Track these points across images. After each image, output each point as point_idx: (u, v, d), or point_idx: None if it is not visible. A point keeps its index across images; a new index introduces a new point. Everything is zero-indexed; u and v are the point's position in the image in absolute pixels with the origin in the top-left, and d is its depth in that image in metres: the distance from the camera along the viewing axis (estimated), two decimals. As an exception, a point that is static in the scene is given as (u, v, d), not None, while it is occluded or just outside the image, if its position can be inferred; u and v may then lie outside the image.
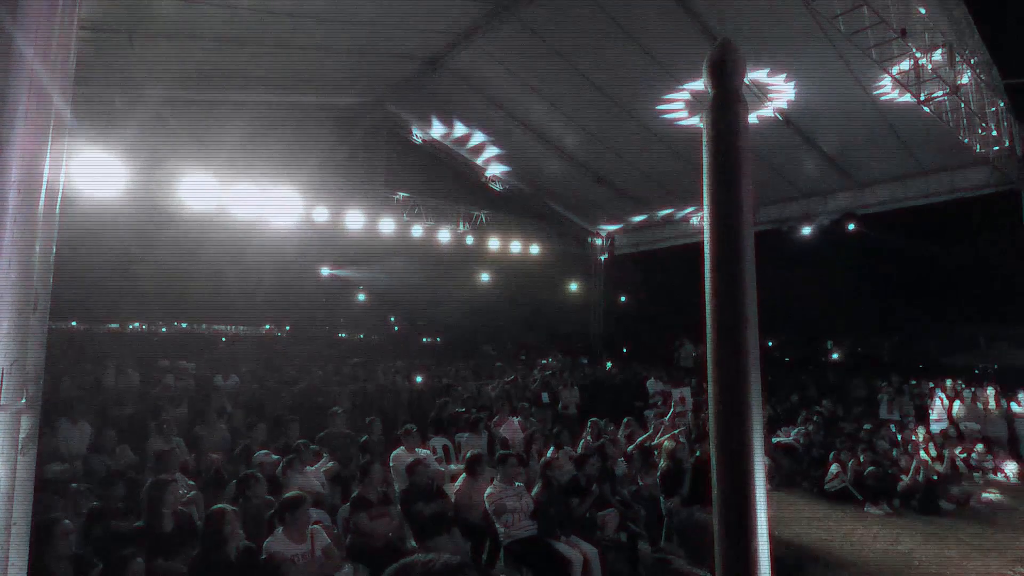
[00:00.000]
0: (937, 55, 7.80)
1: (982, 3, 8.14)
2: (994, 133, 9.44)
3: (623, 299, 24.73)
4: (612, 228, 18.28)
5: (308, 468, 5.79)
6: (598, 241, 18.70)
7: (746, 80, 1.24)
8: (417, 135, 14.09)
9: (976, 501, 8.24)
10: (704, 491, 6.11)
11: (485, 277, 20.93)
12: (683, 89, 10.24)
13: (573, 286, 20.54)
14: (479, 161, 14.80)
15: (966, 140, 9.10)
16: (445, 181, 14.94)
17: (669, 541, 6.34)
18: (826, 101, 10.02)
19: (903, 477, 8.22)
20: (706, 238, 1.15)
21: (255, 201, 10.99)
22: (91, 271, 14.58)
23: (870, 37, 7.09)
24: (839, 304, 25.15)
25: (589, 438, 8.01)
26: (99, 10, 6.98)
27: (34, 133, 1.22)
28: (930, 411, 11.37)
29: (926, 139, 10.60)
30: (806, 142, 11.54)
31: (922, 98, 7.91)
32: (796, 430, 10.22)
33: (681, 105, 10.72)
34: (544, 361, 16.90)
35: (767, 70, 9.36)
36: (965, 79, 8.55)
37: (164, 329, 28.07)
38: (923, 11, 7.39)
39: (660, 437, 7.79)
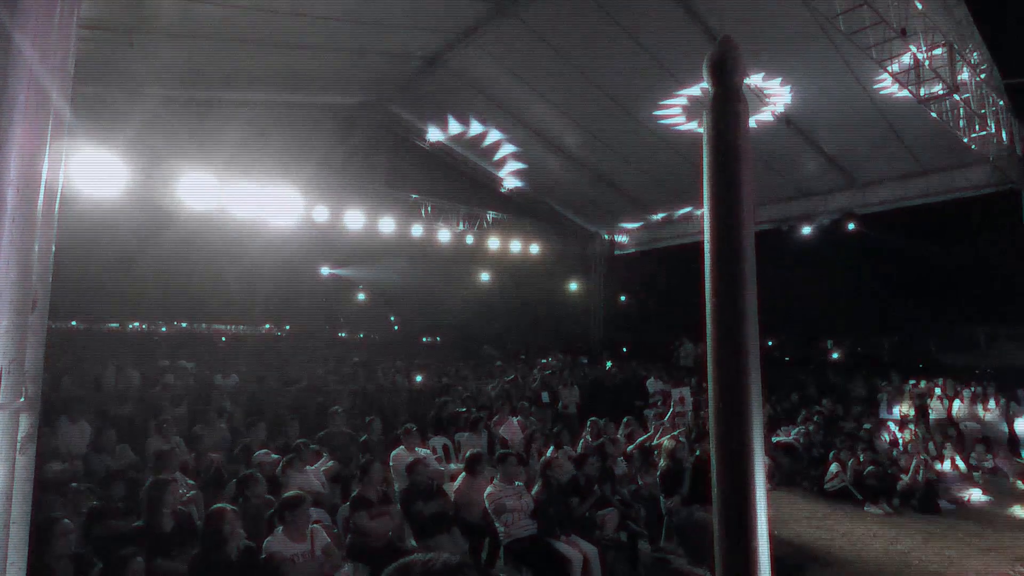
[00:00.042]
0: (937, 53, 7.79)
1: (982, 3, 8.15)
2: (993, 131, 9.43)
3: (623, 298, 24.73)
4: (612, 227, 18.27)
5: (308, 467, 5.80)
6: (598, 240, 18.70)
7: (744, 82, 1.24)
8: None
9: (976, 501, 8.24)
10: (704, 490, 6.10)
11: (485, 277, 20.91)
12: (680, 95, 10.25)
13: (573, 285, 20.53)
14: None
15: (966, 140, 9.10)
16: (445, 180, 14.93)
17: (669, 540, 6.34)
18: (826, 101, 10.01)
19: (903, 476, 8.22)
20: (706, 237, 1.15)
21: (255, 200, 10.98)
22: (91, 271, 14.57)
23: (870, 36, 7.09)
24: (839, 303, 25.12)
25: (589, 437, 8.01)
26: (99, 10, 6.97)
27: (33, 132, 1.21)
28: (930, 411, 11.37)
29: (926, 139, 10.60)
30: (806, 142, 11.54)
31: (923, 94, 7.89)
32: (796, 430, 10.22)
33: (679, 111, 10.73)
34: (544, 360, 16.90)
35: (762, 74, 9.36)
36: (965, 77, 8.55)
37: (164, 328, 28.04)
38: (921, 7, 7.37)
39: (660, 438, 7.79)
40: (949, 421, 10.84)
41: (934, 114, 8.41)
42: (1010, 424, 10.62)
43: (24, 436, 1.22)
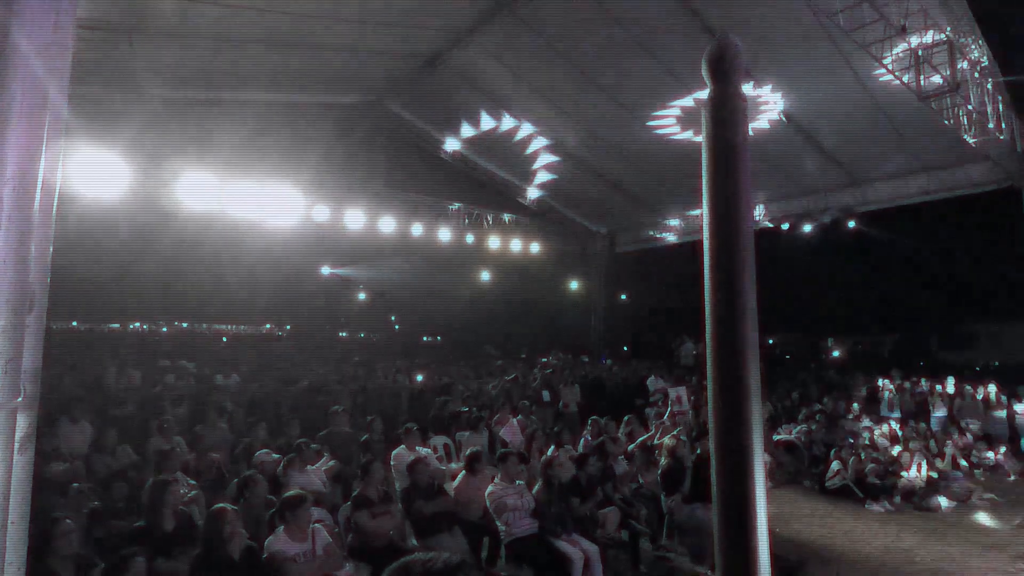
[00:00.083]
0: (937, 51, 7.78)
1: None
2: (993, 128, 9.42)
3: (624, 297, 24.74)
4: (612, 226, 18.26)
5: (309, 467, 5.79)
6: (599, 239, 18.69)
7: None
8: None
9: (977, 498, 8.23)
10: (705, 489, 6.07)
11: (486, 276, 20.92)
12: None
13: (574, 284, 20.54)
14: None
15: (966, 137, 9.08)
16: (445, 180, 14.92)
17: (670, 539, 6.34)
18: (827, 99, 10.00)
19: (904, 474, 8.22)
20: (705, 235, 1.15)
21: (255, 200, 10.99)
22: (92, 271, 14.59)
23: (870, 33, 7.08)
24: (840, 301, 25.13)
25: (590, 436, 8.01)
26: (99, 9, 6.97)
27: (30, 131, 1.21)
28: (931, 408, 11.36)
29: (927, 136, 10.59)
30: (806, 140, 11.53)
31: (922, 84, 7.86)
32: (797, 428, 10.22)
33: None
34: (545, 359, 16.90)
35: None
36: (965, 74, 8.53)
37: (165, 329, 28.10)
38: (920, 4, 7.36)
39: (660, 437, 7.79)
40: (950, 419, 10.83)
41: (935, 111, 8.40)
42: (1011, 421, 10.62)
43: (23, 436, 1.22)
